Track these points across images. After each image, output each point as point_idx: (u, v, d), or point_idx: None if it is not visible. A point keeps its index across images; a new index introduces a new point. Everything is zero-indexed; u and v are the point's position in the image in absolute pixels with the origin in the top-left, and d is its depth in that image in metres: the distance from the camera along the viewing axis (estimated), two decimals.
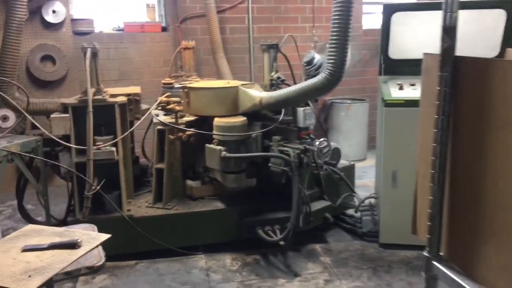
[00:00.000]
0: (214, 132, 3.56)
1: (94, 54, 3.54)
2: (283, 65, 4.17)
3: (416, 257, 3.52)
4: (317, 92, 3.39)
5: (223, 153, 3.42)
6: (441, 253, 1.93)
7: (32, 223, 3.83)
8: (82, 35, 5.39)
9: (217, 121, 3.57)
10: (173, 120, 3.66)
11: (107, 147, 3.41)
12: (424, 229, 1.96)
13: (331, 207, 3.93)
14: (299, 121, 3.73)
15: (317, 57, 3.95)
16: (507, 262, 1.61)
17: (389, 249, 3.67)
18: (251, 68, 6.18)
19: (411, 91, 3.49)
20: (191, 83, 4.04)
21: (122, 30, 5.73)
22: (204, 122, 3.76)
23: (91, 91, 3.45)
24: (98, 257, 2.10)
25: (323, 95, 3.57)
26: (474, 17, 3.41)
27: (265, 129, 3.63)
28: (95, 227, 2.50)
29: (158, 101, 3.75)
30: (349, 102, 6.30)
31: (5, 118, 5.00)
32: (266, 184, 3.87)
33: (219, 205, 3.75)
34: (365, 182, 5.31)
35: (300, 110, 3.72)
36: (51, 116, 3.51)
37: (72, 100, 3.59)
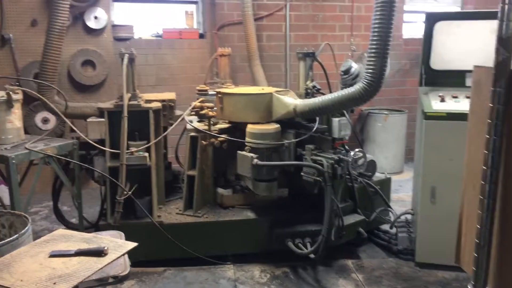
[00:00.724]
0: (247, 139, 3.52)
1: (131, 60, 3.58)
2: (319, 74, 4.09)
3: (454, 278, 3.34)
4: (353, 102, 3.29)
5: (255, 160, 3.37)
6: None
7: (66, 225, 3.92)
8: (122, 40, 5.50)
9: (250, 127, 3.53)
10: (206, 127, 3.65)
11: (140, 153, 3.44)
12: (469, 260, 1.80)
13: (365, 222, 3.80)
14: (334, 131, 3.65)
15: (355, 66, 3.85)
16: None
17: (425, 268, 3.51)
18: (287, 76, 6.15)
19: (453, 103, 3.37)
20: (225, 89, 4.03)
21: (160, 36, 5.82)
22: (236, 130, 3.73)
23: (126, 96, 3.50)
24: (124, 266, 2.08)
25: (359, 105, 3.47)
26: None
27: (299, 138, 3.56)
28: (123, 235, 2.49)
29: (191, 106, 3.75)
30: (386, 113, 6.13)
31: (45, 121, 5.15)
32: (298, 194, 3.78)
33: (249, 214, 3.70)
34: (401, 196, 5.12)
35: (336, 120, 3.64)
36: (88, 120, 3.57)
37: (108, 104, 3.65)
